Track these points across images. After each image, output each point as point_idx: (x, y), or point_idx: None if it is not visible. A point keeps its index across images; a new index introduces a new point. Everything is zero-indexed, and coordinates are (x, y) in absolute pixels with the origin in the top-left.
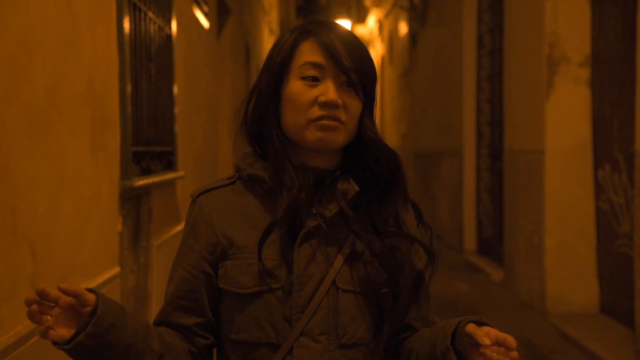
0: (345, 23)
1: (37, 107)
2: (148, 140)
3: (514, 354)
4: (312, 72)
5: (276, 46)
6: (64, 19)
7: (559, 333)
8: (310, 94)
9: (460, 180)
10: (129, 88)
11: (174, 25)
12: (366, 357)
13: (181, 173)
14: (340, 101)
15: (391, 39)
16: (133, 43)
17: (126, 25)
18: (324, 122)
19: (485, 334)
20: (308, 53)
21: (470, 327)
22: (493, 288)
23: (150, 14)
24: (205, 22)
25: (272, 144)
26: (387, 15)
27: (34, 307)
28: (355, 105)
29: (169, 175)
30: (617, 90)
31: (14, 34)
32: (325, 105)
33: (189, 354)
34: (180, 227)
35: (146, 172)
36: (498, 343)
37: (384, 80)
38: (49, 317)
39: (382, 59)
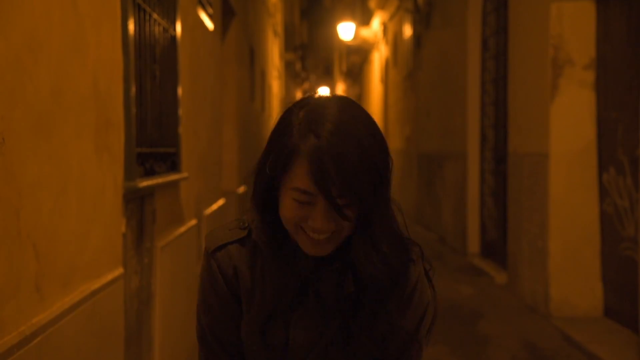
0: (349, 25)
1: (42, 108)
2: (152, 141)
3: None
4: (302, 198)
5: (278, 131)
6: (69, 21)
7: (562, 336)
8: (300, 212)
9: (464, 183)
10: (133, 89)
11: (178, 27)
12: None
13: (185, 174)
14: (326, 228)
15: (395, 42)
16: (138, 44)
17: (131, 26)
18: (314, 239)
19: None
20: (299, 178)
21: None
22: (497, 291)
23: (155, 16)
24: (209, 24)
25: (262, 224)
26: (391, 18)
27: None
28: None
29: (173, 177)
30: (622, 93)
31: (20, 35)
32: (312, 231)
33: None
34: (183, 228)
35: (150, 173)
36: None
37: (388, 83)
38: None
39: (387, 61)
